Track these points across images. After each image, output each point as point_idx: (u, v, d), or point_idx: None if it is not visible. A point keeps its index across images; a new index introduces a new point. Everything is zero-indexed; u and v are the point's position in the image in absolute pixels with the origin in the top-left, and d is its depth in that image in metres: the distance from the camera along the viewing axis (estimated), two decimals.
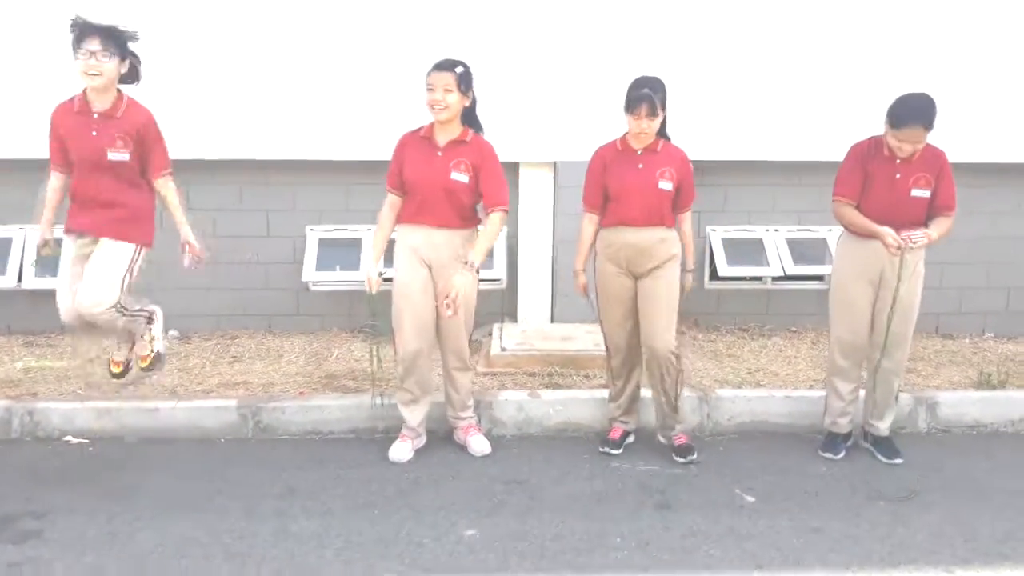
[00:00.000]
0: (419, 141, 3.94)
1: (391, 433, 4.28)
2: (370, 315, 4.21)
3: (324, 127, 5.47)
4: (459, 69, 3.84)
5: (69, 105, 3.74)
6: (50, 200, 3.91)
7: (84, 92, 3.70)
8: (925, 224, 3.89)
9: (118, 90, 3.73)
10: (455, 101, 3.83)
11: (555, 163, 5.66)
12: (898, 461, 4.06)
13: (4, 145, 5.41)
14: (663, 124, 3.99)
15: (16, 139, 5.36)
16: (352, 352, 5.39)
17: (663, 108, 3.89)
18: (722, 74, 5.49)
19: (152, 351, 4.01)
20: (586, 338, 5.31)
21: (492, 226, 3.89)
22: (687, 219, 4.10)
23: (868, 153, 3.95)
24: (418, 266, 3.95)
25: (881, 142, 3.93)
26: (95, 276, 3.75)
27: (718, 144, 5.50)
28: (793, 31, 5.55)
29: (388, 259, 4.16)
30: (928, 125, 3.76)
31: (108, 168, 3.71)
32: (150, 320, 4.03)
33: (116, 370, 4.10)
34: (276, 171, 5.58)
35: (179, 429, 4.33)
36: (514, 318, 5.80)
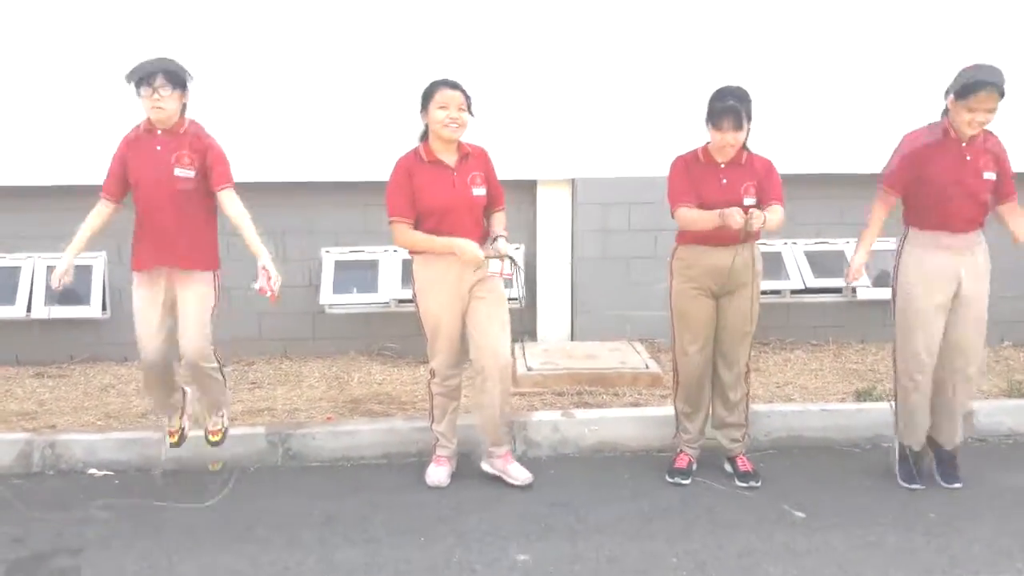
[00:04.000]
0: (426, 166, 3.81)
1: (424, 457, 4.19)
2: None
3: (339, 148, 5.41)
4: (464, 88, 3.78)
5: (135, 130, 3.72)
6: (88, 227, 3.76)
7: (148, 119, 3.68)
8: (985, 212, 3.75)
9: (180, 115, 3.70)
10: (467, 120, 3.78)
11: (573, 180, 5.63)
12: (957, 486, 3.87)
13: (12, 173, 5.30)
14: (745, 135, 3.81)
15: (23, 167, 5.27)
16: (373, 375, 5.30)
17: (749, 120, 3.74)
18: (743, 85, 5.47)
19: (224, 426, 3.92)
20: (610, 356, 5.26)
21: (503, 219, 3.99)
22: (778, 209, 3.76)
23: (927, 138, 3.72)
24: (455, 299, 3.85)
25: (943, 127, 3.72)
26: (191, 316, 3.69)
27: None
28: (808, 45, 5.56)
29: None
30: (1000, 90, 3.55)
31: (174, 189, 3.62)
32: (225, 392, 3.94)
33: (172, 440, 3.95)
34: (291, 193, 5.50)
35: (206, 458, 4.21)
36: (534, 337, 5.74)
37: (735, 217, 3.57)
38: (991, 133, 3.79)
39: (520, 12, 5.43)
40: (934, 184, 3.72)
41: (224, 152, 3.76)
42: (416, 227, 3.81)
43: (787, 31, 5.55)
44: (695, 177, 3.82)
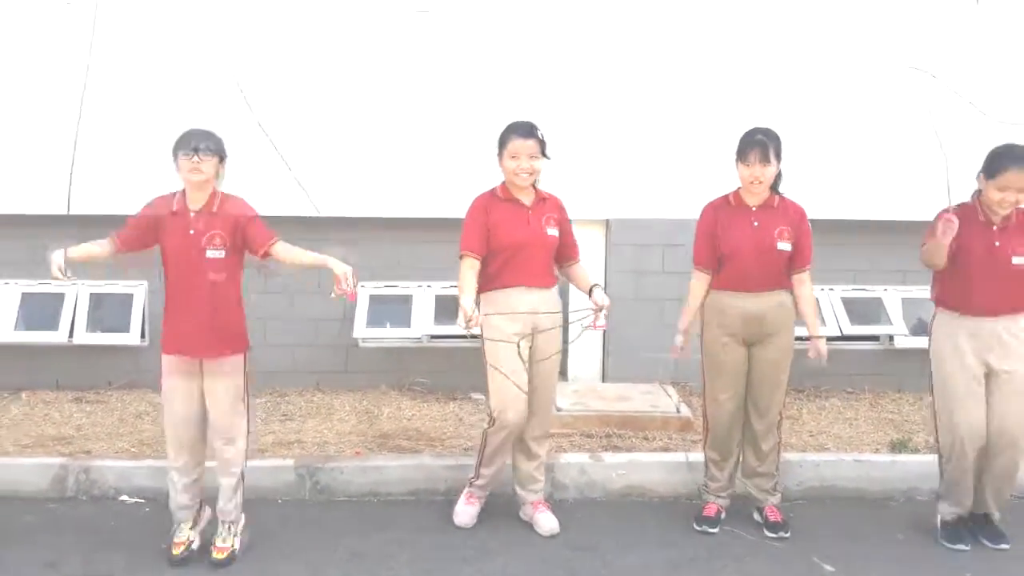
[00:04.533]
0: (503, 203, 3.85)
1: (451, 495, 4.19)
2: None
3: (376, 185, 5.49)
4: (540, 134, 3.81)
5: (164, 204, 3.67)
6: (89, 251, 3.67)
7: (183, 192, 3.66)
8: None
9: (213, 188, 3.66)
10: (539, 167, 3.81)
11: (607, 221, 5.65)
12: (1005, 546, 3.75)
13: (65, 200, 5.42)
14: (778, 179, 3.83)
15: (77, 195, 5.39)
16: (403, 411, 5.32)
17: (777, 157, 3.73)
18: (779, 129, 5.47)
19: (233, 547, 3.66)
20: (641, 398, 5.23)
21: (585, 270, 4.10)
22: (807, 279, 3.83)
23: (962, 218, 3.58)
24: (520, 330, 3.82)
25: (973, 208, 3.70)
26: (221, 402, 3.60)
27: None
28: (846, 92, 5.56)
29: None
30: None
31: (205, 270, 3.58)
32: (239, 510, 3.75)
33: (175, 552, 3.64)
34: (328, 228, 5.57)
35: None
36: (565, 376, 5.72)
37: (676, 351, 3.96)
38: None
39: (559, 55, 5.49)
40: (963, 269, 3.65)
41: (252, 210, 3.68)
42: (486, 264, 3.82)
43: (825, 77, 5.55)
44: (723, 223, 3.81)
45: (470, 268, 3.78)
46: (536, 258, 3.83)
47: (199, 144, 3.57)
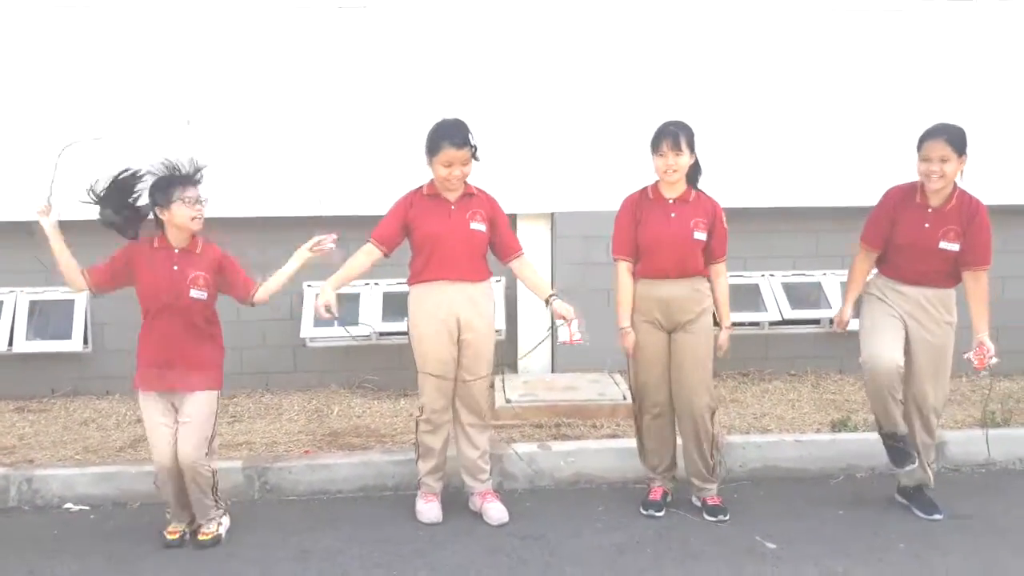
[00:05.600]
0: (426, 199, 3.90)
1: (400, 491, 4.22)
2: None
3: (320, 184, 5.48)
4: (471, 139, 3.83)
5: (148, 242, 3.70)
6: (63, 262, 3.66)
7: (163, 234, 3.69)
8: (949, 275, 3.87)
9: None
10: (469, 170, 3.86)
11: (552, 214, 5.70)
12: (937, 517, 3.91)
13: None
14: (696, 173, 3.93)
15: (4, 203, 5.30)
16: (353, 408, 5.32)
17: (689, 147, 3.82)
18: (715, 122, 5.56)
19: (216, 532, 3.78)
20: (590, 388, 5.29)
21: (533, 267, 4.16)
22: (722, 271, 3.94)
23: (900, 199, 3.88)
24: (443, 323, 3.89)
25: (915, 187, 3.86)
26: (192, 427, 3.65)
27: (710, 191, 5.55)
28: (785, 83, 5.68)
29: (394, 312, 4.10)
30: (951, 139, 3.69)
31: (185, 309, 3.65)
32: (218, 506, 3.85)
33: (171, 537, 3.77)
34: (272, 228, 5.55)
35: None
36: (514, 369, 5.77)
37: (626, 343, 3.95)
38: (972, 198, 3.83)
39: (500, 51, 5.53)
40: (894, 245, 3.89)
41: (231, 258, 3.81)
42: (412, 260, 3.91)
43: (763, 69, 5.67)
44: (643, 215, 3.91)
45: (364, 253, 3.92)
46: (457, 252, 3.85)
47: (195, 192, 3.63)
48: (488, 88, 5.49)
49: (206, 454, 3.70)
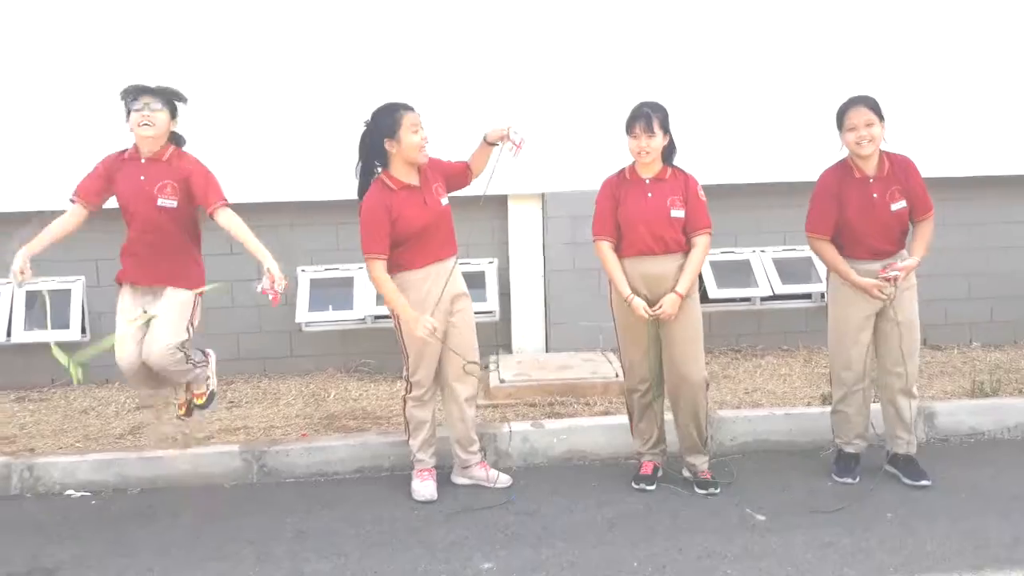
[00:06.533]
0: (397, 193, 3.88)
1: (396, 471, 4.28)
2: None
3: (312, 169, 5.50)
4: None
5: (120, 153, 3.87)
6: (53, 230, 3.84)
7: (135, 146, 3.83)
8: (904, 237, 3.98)
9: (167, 142, 3.84)
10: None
11: (543, 195, 5.73)
12: (925, 483, 3.97)
13: None
14: (670, 152, 3.98)
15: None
16: (349, 392, 5.38)
17: (663, 128, 3.87)
18: (702, 98, 5.58)
19: (207, 389, 4.10)
20: (583, 366, 5.35)
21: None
22: (699, 243, 3.92)
23: (838, 180, 3.97)
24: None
25: (848, 165, 3.98)
26: (162, 324, 3.81)
27: (700, 168, 5.57)
28: (769, 53, 5.69)
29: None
30: (871, 105, 3.86)
31: (158, 216, 3.78)
32: (206, 363, 4.11)
33: (180, 412, 4.20)
34: (265, 213, 5.58)
35: (182, 477, 4.28)
36: (509, 349, 5.83)
37: (639, 311, 3.87)
38: (897, 156, 4.00)
39: (488, 32, 5.54)
40: (851, 224, 3.96)
41: (208, 171, 3.88)
42: (392, 248, 3.88)
43: (750, 44, 5.68)
44: (621, 195, 3.96)
45: (385, 270, 3.87)
46: (441, 231, 3.96)
47: (148, 99, 3.70)
48: (479, 72, 5.51)
49: (175, 353, 3.81)
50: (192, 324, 3.92)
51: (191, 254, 3.95)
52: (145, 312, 3.84)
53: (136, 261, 3.87)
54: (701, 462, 4.08)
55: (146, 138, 3.75)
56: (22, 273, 3.72)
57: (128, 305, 3.89)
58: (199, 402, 4.12)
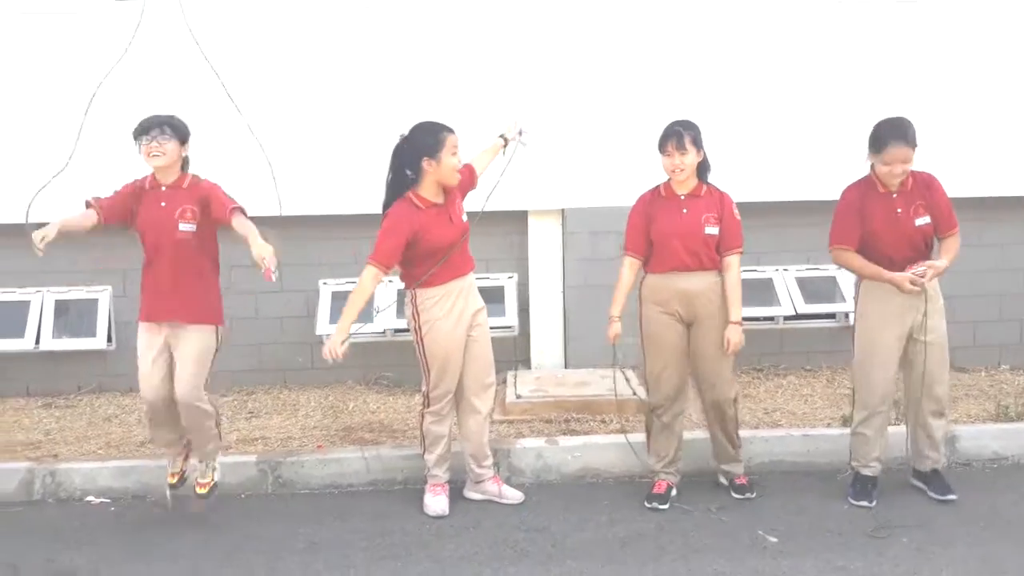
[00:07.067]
0: (423, 212, 3.91)
1: (409, 484, 4.29)
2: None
3: (336, 183, 5.56)
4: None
5: (141, 182, 3.92)
6: (73, 222, 3.83)
7: (152, 175, 3.89)
8: (929, 251, 3.96)
9: (181, 170, 3.89)
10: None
11: (563, 210, 5.74)
12: (951, 497, 3.97)
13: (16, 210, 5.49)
14: (705, 169, 4.01)
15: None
16: (368, 404, 5.41)
17: (695, 145, 3.90)
18: (728, 117, 5.55)
19: (213, 480, 4.02)
20: (601, 383, 5.32)
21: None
22: (732, 264, 3.95)
23: (862, 195, 3.96)
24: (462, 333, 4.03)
25: (872, 181, 3.97)
26: (186, 361, 3.82)
27: (722, 186, 5.56)
28: (795, 73, 5.66)
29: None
30: (909, 141, 3.83)
31: (177, 245, 3.80)
32: (220, 438, 4.08)
33: (172, 481, 4.07)
34: (289, 226, 5.65)
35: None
36: (527, 365, 5.83)
37: (612, 336, 4.08)
38: (922, 173, 3.98)
39: (512, 51, 5.58)
40: (875, 239, 3.93)
41: (218, 184, 3.92)
42: (414, 265, 3.92)
43: (776, 63, 5.66)
44: (655, 212, 3.99)
45: (374, 279, 3.90)
46: (463, 247, 4.00)
47: (156, 131, 3.76)
48: (500, 87, 5.53)
49: (202, 390, 3.83)
50: (215, 360, 3.94)
51: (210, 281, 3.93)
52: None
53: (156, 294, 3.84)
54: (737, 468, 4.16)
55: (159, 168, 3.81)
56: (43, 239, 3.67)
57: (146, 343, 3.87)
58: (202, 491, 3.99)
